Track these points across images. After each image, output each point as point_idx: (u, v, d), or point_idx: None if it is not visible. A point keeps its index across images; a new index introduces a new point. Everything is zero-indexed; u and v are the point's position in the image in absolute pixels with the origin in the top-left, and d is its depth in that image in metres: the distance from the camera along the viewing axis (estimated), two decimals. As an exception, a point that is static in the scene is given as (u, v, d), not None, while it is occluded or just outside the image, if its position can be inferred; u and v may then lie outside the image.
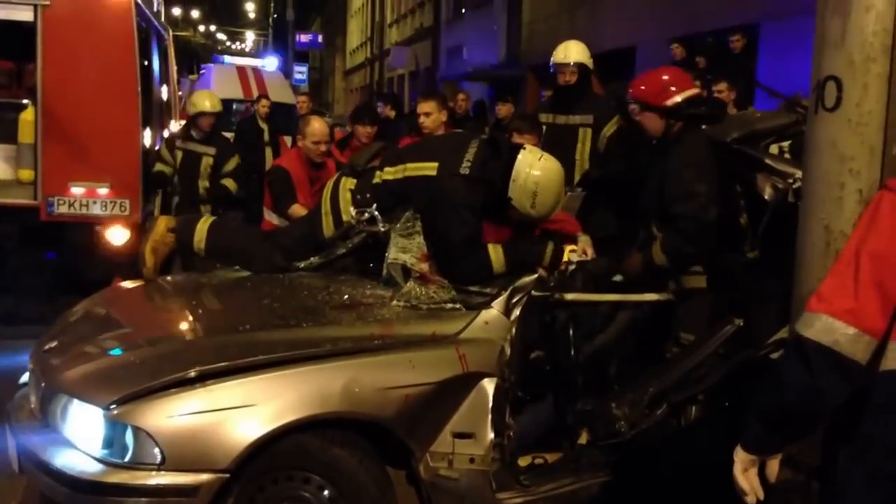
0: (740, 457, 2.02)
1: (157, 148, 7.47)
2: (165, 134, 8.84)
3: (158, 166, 7.08)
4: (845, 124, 2.67)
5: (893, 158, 2.62)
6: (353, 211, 4.00)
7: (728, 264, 3.87)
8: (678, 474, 3.21)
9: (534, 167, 3.67)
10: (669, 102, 3.89)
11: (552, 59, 5.73)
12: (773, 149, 4.65)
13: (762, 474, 2.04)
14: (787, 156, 4.57)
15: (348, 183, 4.12)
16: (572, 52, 5.65)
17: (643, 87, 4.00)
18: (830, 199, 2.71)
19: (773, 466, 2.04)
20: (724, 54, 8.65)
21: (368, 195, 3.99)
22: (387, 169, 4.02)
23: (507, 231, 4.03)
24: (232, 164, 7.10)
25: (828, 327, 1.86)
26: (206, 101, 7.06)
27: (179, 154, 7.03)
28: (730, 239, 3.88)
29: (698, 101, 4.07)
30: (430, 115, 5.50)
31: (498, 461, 3.25)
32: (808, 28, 2.92)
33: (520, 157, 3.69)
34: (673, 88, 3.92)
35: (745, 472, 2.02)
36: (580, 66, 5.60)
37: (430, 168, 3.86)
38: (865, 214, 2.00)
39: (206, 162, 7.00)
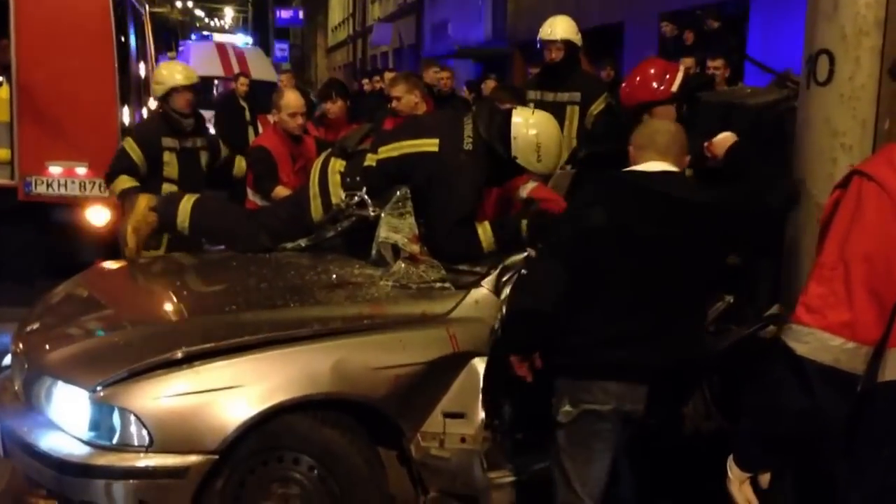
0: (735, 473, 1.92)
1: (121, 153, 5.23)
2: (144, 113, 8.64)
3: (127, 181, 4.99)
4: (837, 98, 2.65)
5: (886, 133, 2.61)
6: (342, 194, 3.95)
7: None
8: (672, 450, 3.21)
9: (530, 126, 3.75)
10: (674, 89, 3.76)
11: (539, 35, 5.67)
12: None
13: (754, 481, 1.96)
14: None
15: (337, 165, 4.07)
16: (559, 28, 5.58)
17: (644, 90, 3.67)
18: (822, 175, 2.70)
19: (766, 476, 1.95)
20: (713, 29, 8.58)
21: (359, 178, 3.95)
22: (380, 149, 3.97)
23: (492, 209, 4.01)
24: (224, 153, 5.59)
25: (824, 344, 1.73)
26: (177, 74, 5.21)
27: (171, 157, 5.15)
28: None
29: (687, 77, 3.99)
30: (401, 98, 5.21)
31: (489, 440, 3.24)
32: (799, 1, 2.89)
33: (514, 119, 3.76)
34: (668, 76, 3.80)
35: (740, 486, 1.93)
36: (567, 43, 5.54)
37: (430, 144, 3.83)
38: (845, 208, 1.77)
39: (204, 158, 5.38)
